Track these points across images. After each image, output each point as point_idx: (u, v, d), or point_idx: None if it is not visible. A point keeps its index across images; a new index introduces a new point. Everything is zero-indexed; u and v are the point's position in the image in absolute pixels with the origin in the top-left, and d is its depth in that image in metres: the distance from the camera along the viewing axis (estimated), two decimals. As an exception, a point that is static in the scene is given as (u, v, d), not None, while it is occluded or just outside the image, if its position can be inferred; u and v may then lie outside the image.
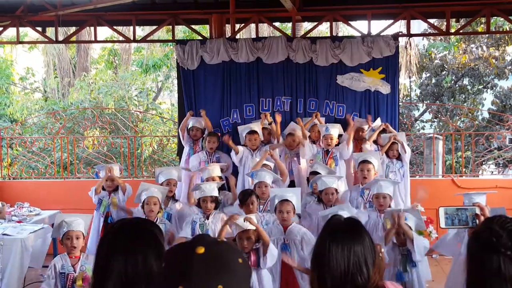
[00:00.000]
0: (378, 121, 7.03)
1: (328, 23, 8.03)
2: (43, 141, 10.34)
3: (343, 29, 15.26)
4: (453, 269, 4.64)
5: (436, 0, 7.54)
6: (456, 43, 14.99)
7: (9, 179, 8.90)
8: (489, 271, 1.79)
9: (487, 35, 14.04)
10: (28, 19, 7.73)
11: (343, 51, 7.22)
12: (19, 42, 8.68)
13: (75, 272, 4.22)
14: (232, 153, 6.66)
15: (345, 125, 6.91)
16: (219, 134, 7.03)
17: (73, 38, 9.60)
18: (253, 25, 8.43)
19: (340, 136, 6.68)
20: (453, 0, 7.40)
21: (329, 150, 6.53)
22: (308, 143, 6.63)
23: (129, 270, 1.78)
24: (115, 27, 8.44)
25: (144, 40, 9.10)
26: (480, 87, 14.81)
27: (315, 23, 8.51)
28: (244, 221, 4.22)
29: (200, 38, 8.34)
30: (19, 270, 5.36)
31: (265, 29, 13.31)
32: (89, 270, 4.12)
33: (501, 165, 12.09)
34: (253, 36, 8.88)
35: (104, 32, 15.09)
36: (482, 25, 13.11)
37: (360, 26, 9.02)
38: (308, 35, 8.47)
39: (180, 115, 7.59)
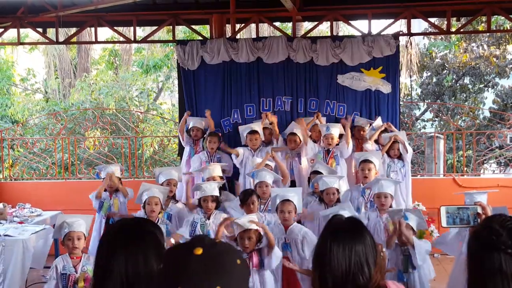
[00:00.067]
0: (379, 121, 7.02)
1: (329, 23, 8.04)
2: (44, 142, 10.33)
3: (343, 29, 15.25)
4: (455, 268, 4.62)
5: (436, -1, 7.55)
6: (457, 42, 14.97)
7: (11, 180, 8.91)
8: (489, 270, 1.78)
9: (488, 33, 14.03)
10: (28, 20, 7.73)
11: (344, 50, 7.21)
12: (20, 43, 8.67)
13: (77, 273, 4.22)
14: (233, 156, 6.66)
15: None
16: (220, 134, 7.02)
17: (74, 39, 9.62)
18: (253, 25, 8.42)
19: (341, 136, 6.68)
20: (454, -1, 7.40)
21: (330, 149, 6.53)
22: (310, 142, 6.63)
23: (129, 270, 1.78)
24: (115, 27, 8.46)
25: (144, 40, 9.11)
26: (481, 86, 14.80)
27: (316, 23, 8.51)
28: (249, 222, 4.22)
29: (200, 38, 8.34)
30: (20, 271, 5.36)
31: (266, 29, 13.31)
32: (91, 271, 4.10)
33: (502, 164, 12.09)
34: (254, 36, 8.87)
35: (104, 32, 15.12)
36: (482, 24, 13.08)
37: (361, 26, 9.03)
38: (309, 35, 8.45)
39: (180, 116, 7.59)
